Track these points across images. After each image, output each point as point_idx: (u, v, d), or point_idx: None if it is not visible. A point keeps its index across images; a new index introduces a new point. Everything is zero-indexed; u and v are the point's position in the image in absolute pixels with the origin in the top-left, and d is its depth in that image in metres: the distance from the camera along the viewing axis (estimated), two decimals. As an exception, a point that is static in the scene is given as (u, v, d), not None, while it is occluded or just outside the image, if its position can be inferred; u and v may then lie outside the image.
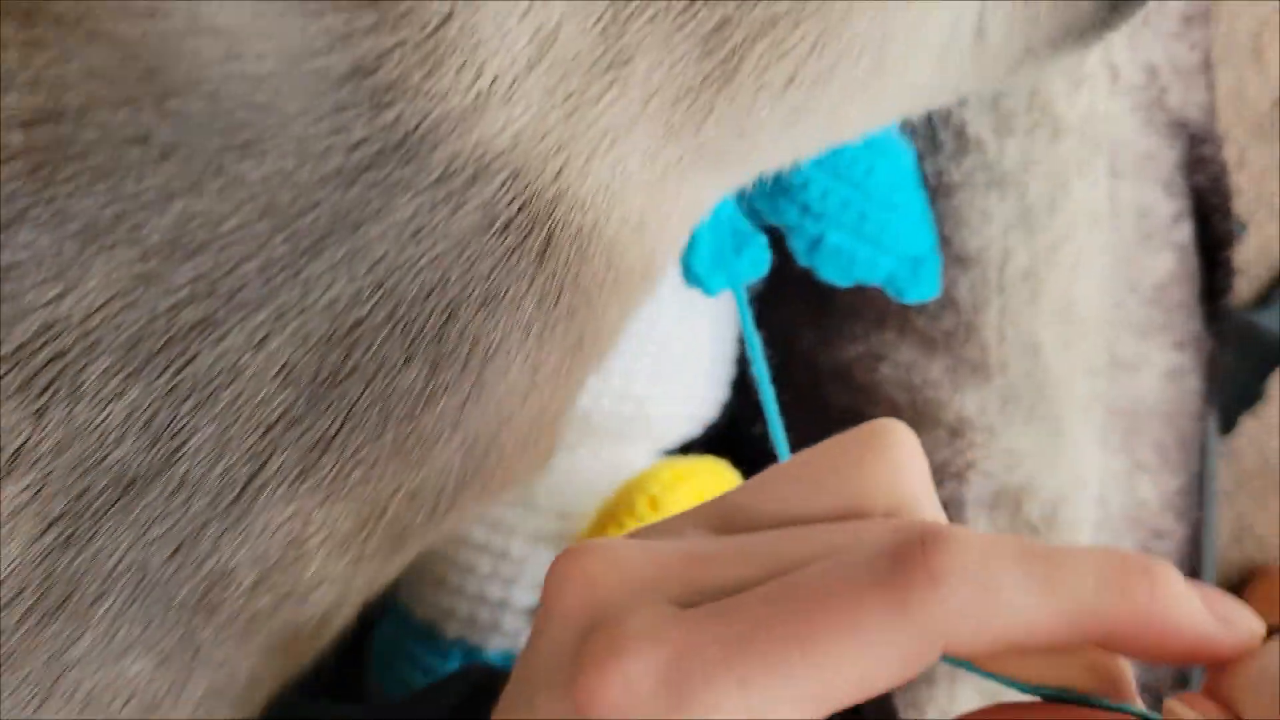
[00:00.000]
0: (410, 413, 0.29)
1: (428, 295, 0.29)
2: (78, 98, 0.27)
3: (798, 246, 0.48)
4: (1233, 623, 0.23)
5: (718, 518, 0.25)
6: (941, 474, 0.53)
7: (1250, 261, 1.18)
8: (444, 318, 0.29)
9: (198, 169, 0.27)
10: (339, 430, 0.28)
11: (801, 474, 0.26)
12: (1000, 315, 0.52)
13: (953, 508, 0.54)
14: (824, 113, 0.33)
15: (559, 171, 0.29)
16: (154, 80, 0.27)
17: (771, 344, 0.59)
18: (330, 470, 0.28)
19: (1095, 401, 0.55)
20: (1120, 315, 0.55)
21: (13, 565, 0.25)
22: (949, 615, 0.21)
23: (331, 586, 0.30)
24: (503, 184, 0.29)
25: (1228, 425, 1.07)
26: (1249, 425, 1.16)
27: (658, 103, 0.30)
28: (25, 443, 0.26)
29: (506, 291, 0.30)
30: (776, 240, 0.48)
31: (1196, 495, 0.63)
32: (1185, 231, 0.59)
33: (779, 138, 0.33)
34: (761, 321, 0.57)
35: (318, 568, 0.29)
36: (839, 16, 0.30)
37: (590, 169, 0.30)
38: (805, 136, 0.35)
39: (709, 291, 0.46)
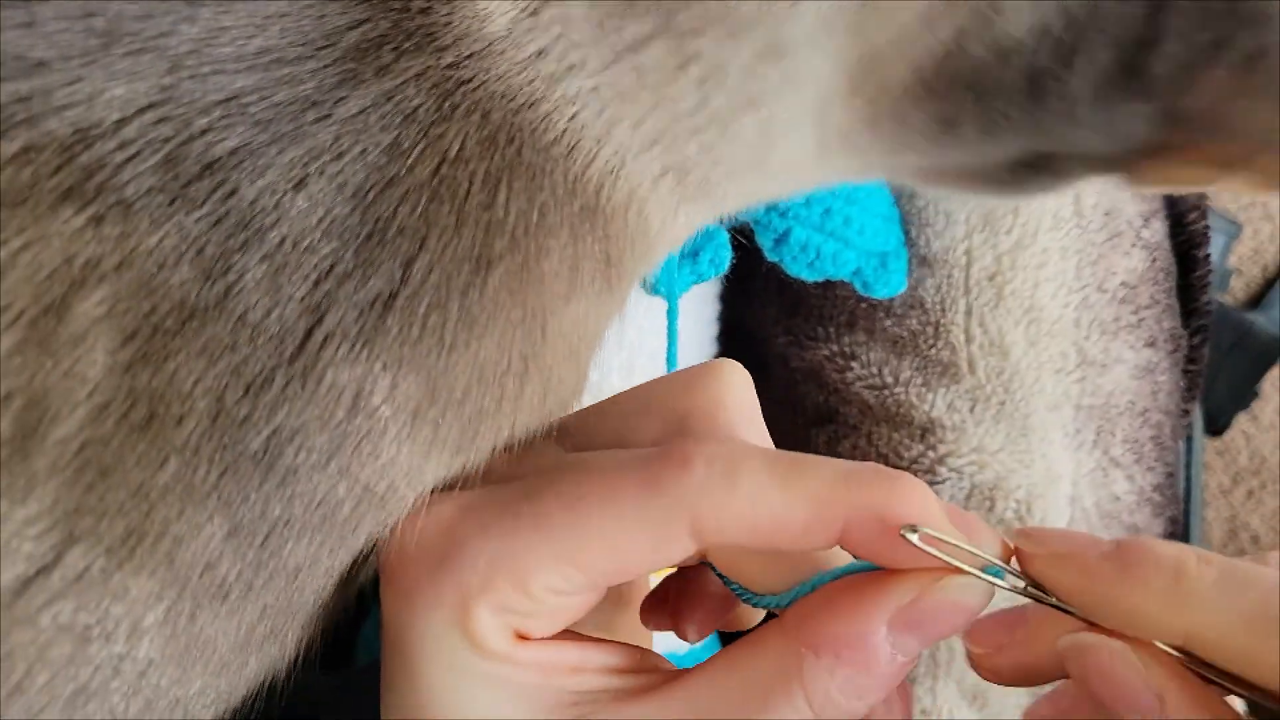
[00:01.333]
0: (471, 281, 0.28)
1: (475, 157, 0.27)
2: None
3: (764, 241, 0.49)
4: (975, 531, 0.26)
5: (562, 431, 0.30)
6: (913, 472, 0.54)
7: (1245, 262, 1.18)
8: (491, 184, 0.28)
9: None
10: (397, 291, 0.27)
11: (634, 403, 0.31)
12: (967, 316, 0.53)
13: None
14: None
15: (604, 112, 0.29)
16: None
17: (747, 345, 0.60)
18: (395, 333, 0.27)
19: (1065, 399, 0.56)
20: (1088, 314, 0.56)
21: (99, 379, 0.25)
22: (693, 492, 0.25)
23: (405, 483, 0.29)
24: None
25: (1223, 424, 1.08)
26: (1243, 424, 1.16)
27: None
28: (92, 253, 0.25)
29: (547, 180, 0.28)
30: (747, 239, 0.49)
31: (1175, 491, 0.64)
32: (1158, 230, 0.60)
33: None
34: (737, 323, 0.58)
35: (390, 447, 0.28)
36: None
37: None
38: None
39: (667, 291, 0.47)
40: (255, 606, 0.28)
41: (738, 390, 0.31)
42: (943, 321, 0.53)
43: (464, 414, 0.29)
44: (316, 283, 0.26)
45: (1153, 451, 0.61)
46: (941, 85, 0.30)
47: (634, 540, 0.26)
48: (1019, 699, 0.57)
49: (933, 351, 0.53)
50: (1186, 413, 0.66)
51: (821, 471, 0.26)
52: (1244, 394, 1.04)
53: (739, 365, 0.31)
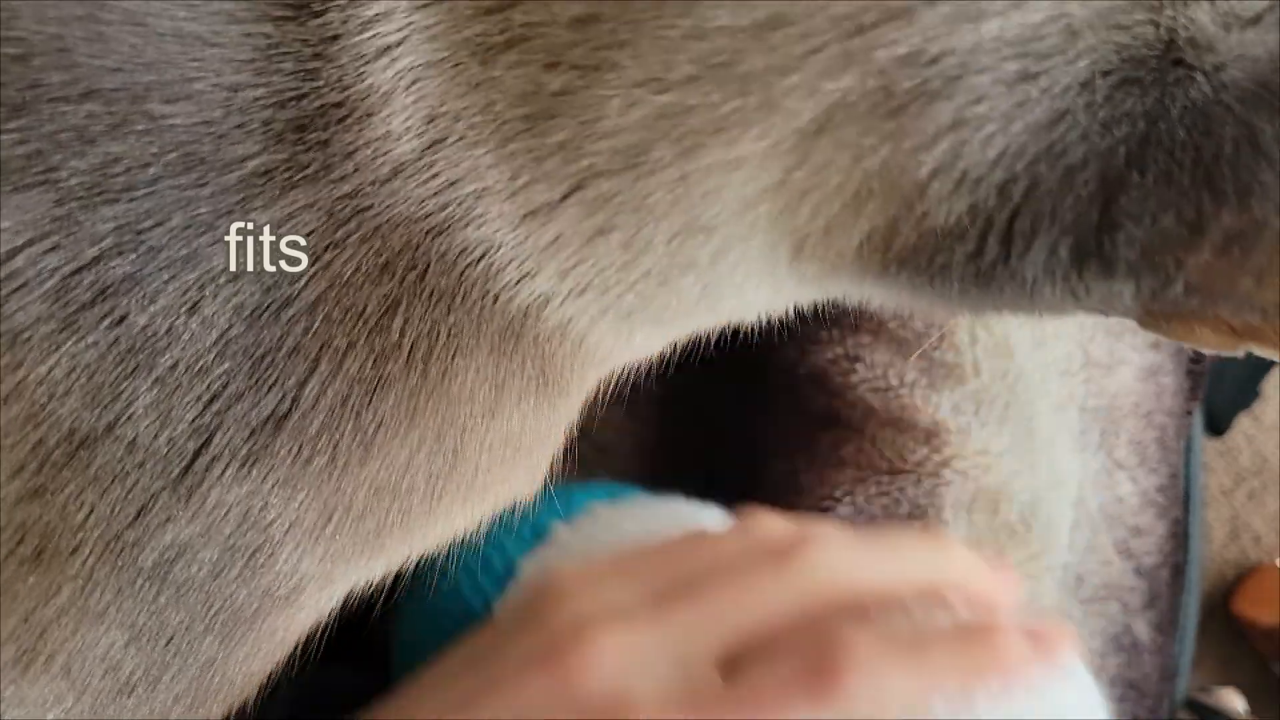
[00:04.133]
0: (362, 402, 0.27)
1: (369, 281, 0.27)
2: (3, 4, 0.25)
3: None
4: None
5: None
6: (918, 475, 0.53)
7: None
8: (384, 307, 0.27)
9: (122, 110, 0.26)
10: (289, 411, 0.27)
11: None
12: (972, 317, 0.53)
13: (931, 510, 0.54)
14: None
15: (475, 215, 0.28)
16: (83, 4, 0.25)
17: (749, 347, 0.59)
18: (285, 453, 0.27)
19: (1070, 401, 0.56)
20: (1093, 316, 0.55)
21: None
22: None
23: (314, 586, 0.29)
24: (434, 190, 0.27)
25: (1224, 425, 1.07)
26: (1245, 424, 1.16)
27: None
28: None
29: (459, 304, 0.28)
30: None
31: (1178, 492, 0.63)
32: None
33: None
34: (738, 325, 0.58)
35: (288, 559, 0.28)
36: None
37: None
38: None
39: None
40: (166, 695, 0.29)
41: (956, 557, 0.40)
42: (947, 323, 0.53)
43: (364, 529, 0.29)
44: (208, 404, 0.26)
45: (1156, 453, 0.61)
46: (891, 264, 0.28)
47: None
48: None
49: (937, 354, 0.53)
50: (1189, 414, 0.65)
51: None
52: (1246, 394, 1.04)
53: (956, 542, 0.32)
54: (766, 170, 0.27)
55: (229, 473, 0.27)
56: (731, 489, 0.46)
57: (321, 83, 0.26)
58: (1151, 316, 0.28)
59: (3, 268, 0.25)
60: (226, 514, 0.27)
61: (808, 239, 0.28)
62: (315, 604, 0.30)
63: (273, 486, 0.27)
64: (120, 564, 0.26)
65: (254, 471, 0.27)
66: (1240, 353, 0.28)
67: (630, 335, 0.31)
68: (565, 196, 0.27)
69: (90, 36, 0.25)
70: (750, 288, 0.30)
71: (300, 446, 0.27)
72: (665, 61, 0.26)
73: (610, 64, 0.26)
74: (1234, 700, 0.82)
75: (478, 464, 0.30)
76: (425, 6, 0.27)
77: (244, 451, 0.27)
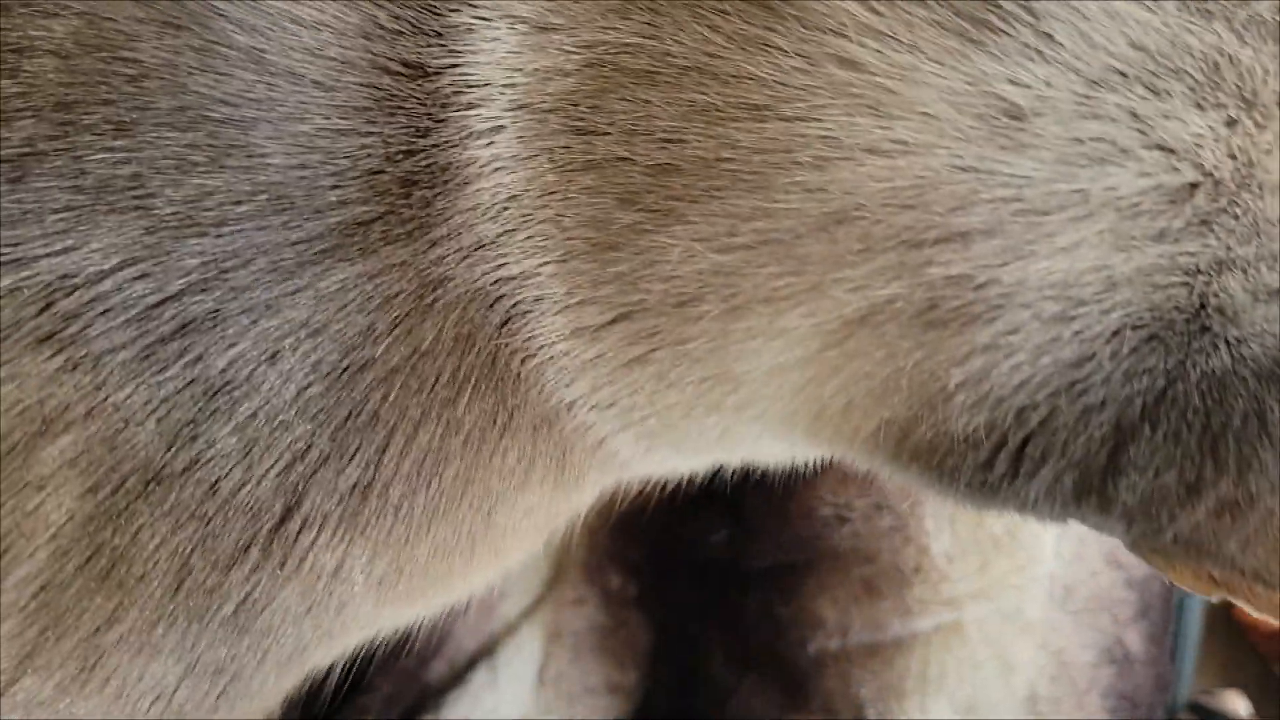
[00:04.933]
0: (432, 472, 0.29)
1: (446, 353, 0.28)
2: (123, 29, 0.25)
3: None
4: None
5: None
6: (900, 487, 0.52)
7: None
8: (456, 383, 0.28)
9: (224, 143, 0.26)
10: (372, 480, 0.28)
11: None
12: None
13: (913, 522, 0.53)
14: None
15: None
16: (205, 26, 0.26)
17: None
18: (372, 520, 0.28)
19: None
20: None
21: (61, 523, 0.26)
22: None
23: (361, 631, 0.31)
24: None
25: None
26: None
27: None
28: (63, 398, 0.26)
29: (512, 391, 0.29)
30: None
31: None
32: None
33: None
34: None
35: (358, 610, 0.30)
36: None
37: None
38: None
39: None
40: (207, 716, 0.30)
41: None
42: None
43: (423, 583, 0.31)
44: (291, 463, 0.27)
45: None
46: (903, 454, 0.29)
47: None
48: (1010, 713, 0.56)
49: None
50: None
51: None
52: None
53: None
54: (803, 344, 0.28)
55: (322, 537, 0.28)
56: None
57: (433, 142, 0.27)
58: (1137, 546, 0.29)
59: (92, 288, 0.25)
60: (317, 573, 0.28)
61: (827, 412, 0.29)
62: (357, 641, 0.32)
63: (360, 550, 0.29)
64: (194, 605, 0.27)
65: (344, 536, 0.28)
66: (1215, 598, 0.28)
67: (648, 452, 0.32)
68: (612, 322, 0.29)
69: (206, 67, 0.26)
70: (766, 439, 0.31)
71: (384, 514, 0.28)
72: (730, 226, 0.26)
73: (679, 215, 0.27)
74: (1237, 703, 0.80)
75: (505, 529, 0.32)
76: (521, 107, 0.27)
77: (335, 517, 0.28)
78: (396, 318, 0.27)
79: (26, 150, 0.25)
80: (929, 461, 0.29)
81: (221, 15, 0.26)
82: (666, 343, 0.29)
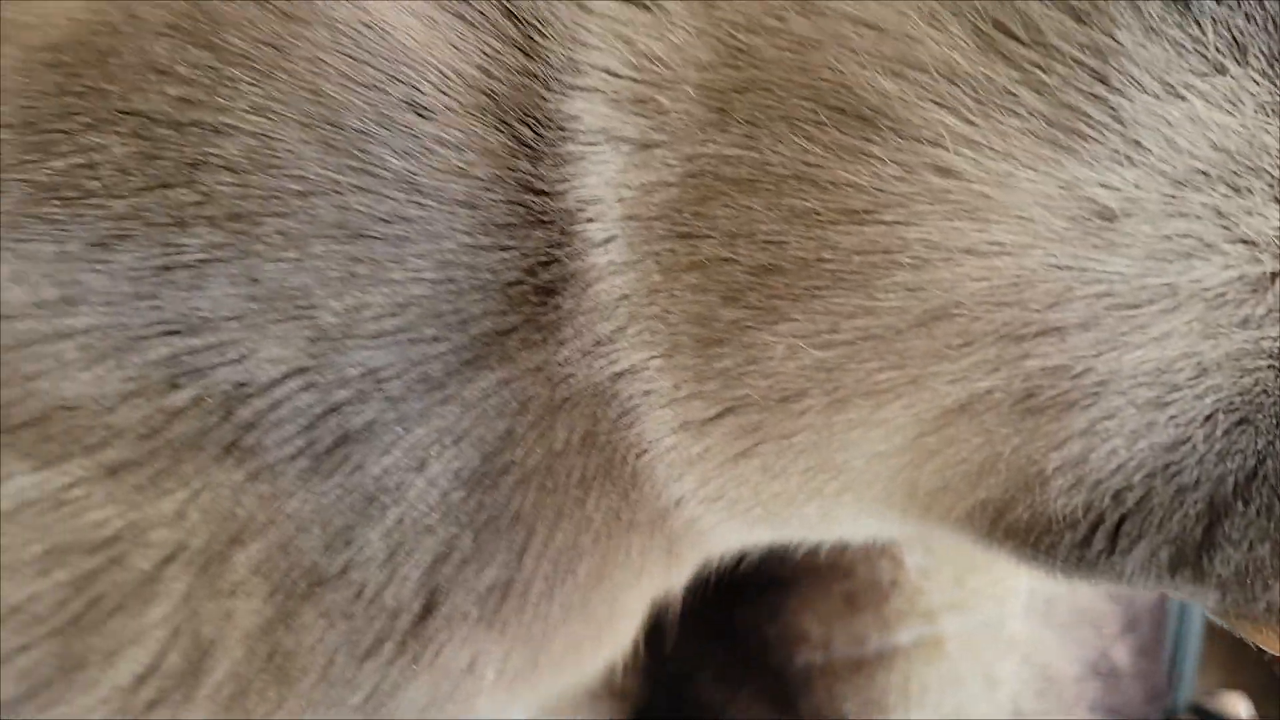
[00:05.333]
0: (568, 569, 0.30)
1: (575, 453, 0.30)
2: (291, 149, 0.27)
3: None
4: None
5: None
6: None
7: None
8: (585, 482, 0.30)
9: (381, 256, 0.27)
10: (512, 579, 0.29)
11: None
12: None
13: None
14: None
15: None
16: (363, 150, 0.27)
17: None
18: (510, 618, 0.30)
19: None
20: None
21: (250, 627, 0.27)
22: None
23: (487, 713, 0.32)
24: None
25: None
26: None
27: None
28: (250, 508, 0.27)
29: (633, 491, 0.31)
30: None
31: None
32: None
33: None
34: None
35: (486, 700, 0.31)
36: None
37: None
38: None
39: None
40: None
41: None
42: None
43: (552, 673, 0.32)
44: (433, 565, 0.28)
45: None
46: (997, 533, 0.30)
47: None
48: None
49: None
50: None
51: None
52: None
53: None
54: (902, 433, 0.29)
55: (458, 636, 0.29)
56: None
57: (563, 254, 0.29)
58: (1226, 614, 0.30)
59: (265, 397, 0.27)
60: (448, 669, 0.29)
61: (923, 493, 0.30)
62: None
63: (495, 647, 0.30)
64: (332, 695, 0.29)
65: (480, 634, 0.29)
66: None
67: (748, 534, 0.34)
68: (718, 417, 0.30)
69: (364, 187, 0.27)
70: (863, 519, 0.33)
71: (522, 612, 0.30)
72: (832, 323, 0.28)
73: (782, 313, 0.28)
74: (1238, 705, 0.79)
75: (627, 614, 0.33)
76: (630, 218, 0.29)
77: (473, 616, 0.29)
78: (532, 421, 0.29)
79: (204, 258, 0.27)
80: (1025, 539, 0.30)
81: (376, 140, 0.27)
82: (771, 436, 0.30)
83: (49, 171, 0.26)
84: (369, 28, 0.28)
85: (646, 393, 0.30)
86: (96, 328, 0.26)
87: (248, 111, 0.27)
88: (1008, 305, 0.27)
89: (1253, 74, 0.26)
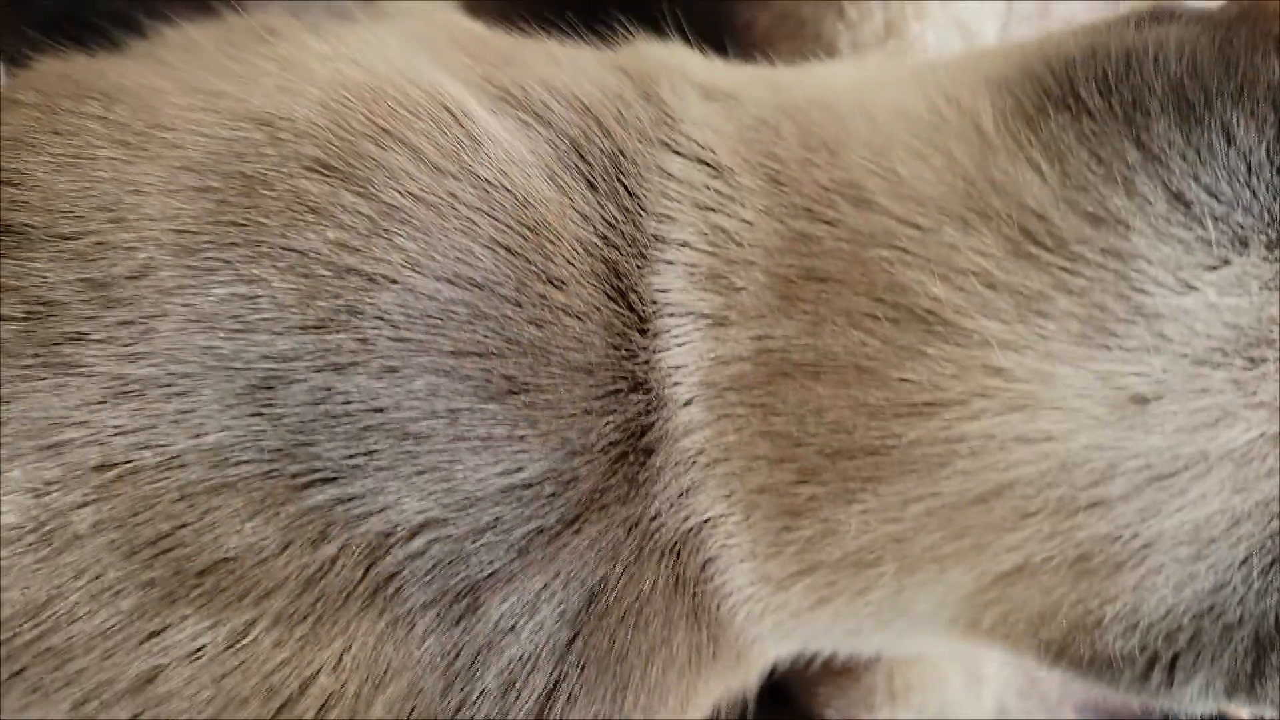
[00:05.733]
0: (657, 707, 0.33)
1: (662, 597, 0.32)
2: (446, 304, 0.30)
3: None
4: None
5: None
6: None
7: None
8: (670, 623, 0.32)
9: (515, 417, 0.30)
10: (612, 716, 0.32)
11: None
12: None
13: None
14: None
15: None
16: (498, 319, 0.30)
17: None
18: None
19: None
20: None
21: None
22: None
23: None
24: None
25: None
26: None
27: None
28: (387, 657, 0.29)
29: (714, 641, 0.34)
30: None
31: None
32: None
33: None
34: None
35: None
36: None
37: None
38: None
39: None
40: None
41: None
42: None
43: None
44: (543, 701, 0.31)
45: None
46: (1059, 664, 0.33)
47: None
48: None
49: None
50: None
51: None
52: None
53: None
54: (965, 587, 0.32)
55: None
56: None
57: (656, 418, 0.32)
58: None
59: (405, 547, 0.29)
60: None
61: (984, 629, 0.33)
62: None
63: None
64: None
65: None
66: None
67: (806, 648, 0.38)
68: (796, 576, 0.33)
69: (502, 352, 0.31)
70: (921, 647, 0.38)
71: None
72: (900, 505, 0.31)
73: (853, 495, 0.31)
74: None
75: None
76: (707, 385, 0.32)
77: None
78: (625, 568, 0.31)
79: (363, 407, 0.29)
80: (1088, 671, 0.33)
81: (516, 306, 0.30)
82: (846, 592, 0.33)
83: (211, 300, 0.28)
84: (509, 191, 0.30)
85: (725, 545, 0.33)
86: (257, 476, 0.28)
87: (404, 266, 0.29)
88: (1057, 485, 0.30)
89: (1254, 260, 0.30)
